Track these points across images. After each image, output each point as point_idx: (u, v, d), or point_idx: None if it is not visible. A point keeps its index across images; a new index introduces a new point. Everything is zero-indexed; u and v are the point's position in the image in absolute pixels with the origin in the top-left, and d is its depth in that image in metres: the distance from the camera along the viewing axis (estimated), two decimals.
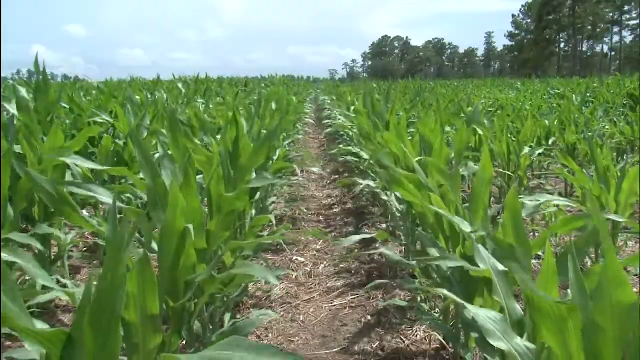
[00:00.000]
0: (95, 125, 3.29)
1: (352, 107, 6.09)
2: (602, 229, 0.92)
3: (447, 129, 4.24)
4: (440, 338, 2.07)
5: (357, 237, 2.69)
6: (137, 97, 5.09)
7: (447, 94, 11.03)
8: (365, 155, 3.83)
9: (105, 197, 1.62)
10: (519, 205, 1.38)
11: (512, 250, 1.30)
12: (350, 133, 5.14)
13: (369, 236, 2.78)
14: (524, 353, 1.08)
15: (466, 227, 1.56)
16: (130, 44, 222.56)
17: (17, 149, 2.45)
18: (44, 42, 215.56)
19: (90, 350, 0.89)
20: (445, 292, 1.24)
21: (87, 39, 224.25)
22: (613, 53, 70.09)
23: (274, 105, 5.01)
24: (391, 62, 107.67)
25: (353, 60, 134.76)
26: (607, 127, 5.43)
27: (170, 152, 1.87)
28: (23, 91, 3.18)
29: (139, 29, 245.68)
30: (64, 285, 2.23)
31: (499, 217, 2.43)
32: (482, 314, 1.13)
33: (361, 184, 3.53)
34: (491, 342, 1.08)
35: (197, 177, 2.04)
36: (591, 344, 0.92)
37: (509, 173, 3.69)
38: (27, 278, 2.19)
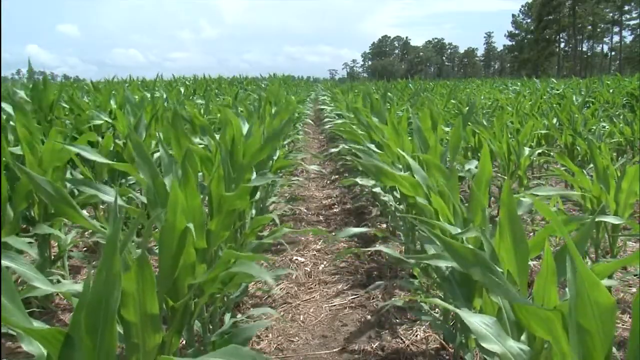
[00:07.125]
0: (92, 132, 3.29)
1: (352, 107, 6.08)
2: (569, 245, 0.92)
3: (446, 129, 4.25)
4: (440, 338, 2.07)
5: (355, 230, 2.67)
6: (136, 97, 5.09)
7: (446, 93, 11.03)
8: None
9: (108, 195, 1.62)
10: (514, 200, 1.35)
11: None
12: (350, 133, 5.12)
13: (367, 230, 2.75)
14: (517, 354, 1.07)
15: (453, 230, 1.56)
16: (127, 44, 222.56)
17: (17, 150, 2.45)
18: (40, 42, 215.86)
19: (87, 348, 0.89)
20: (437, 301, 1.23)
21: (83, 39, 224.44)
22: (613, 53, 70.09)
23: (273, 108, 5.01)
24: (391, 62, 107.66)
25: (353, 60, 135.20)
26: (606, 127, 5.42)
27: (170, 151, 1.86)
28: (21, 92, 3.19)
29: (136, 29, 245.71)
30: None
31: (497, 217, 2.43)
32: (477, 320, 1.12)
33: (361, 184, 3.52)
34: (485, 345, 1.07)
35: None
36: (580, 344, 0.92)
37: (510, 172, 3.69)
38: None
